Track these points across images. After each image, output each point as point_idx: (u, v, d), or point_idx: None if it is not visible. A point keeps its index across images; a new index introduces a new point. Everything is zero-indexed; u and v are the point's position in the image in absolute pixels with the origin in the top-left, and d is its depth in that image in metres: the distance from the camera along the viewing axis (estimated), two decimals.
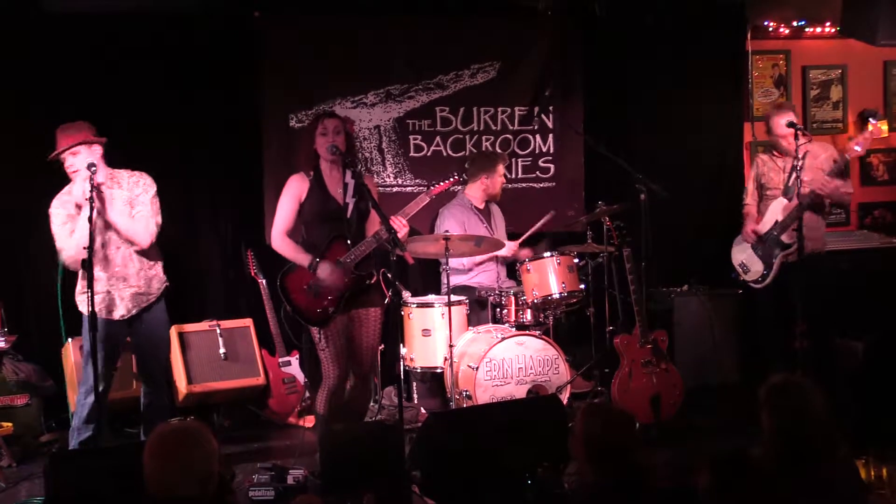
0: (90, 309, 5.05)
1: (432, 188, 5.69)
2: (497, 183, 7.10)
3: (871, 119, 6.63)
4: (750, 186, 6.73)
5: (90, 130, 5.43)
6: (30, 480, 5.68)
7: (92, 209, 5.09)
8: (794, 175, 6.19)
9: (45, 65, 6.70)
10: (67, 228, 5.34)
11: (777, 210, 6.42)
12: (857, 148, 6.28)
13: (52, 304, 6.41)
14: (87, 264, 5.06)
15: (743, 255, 6.60)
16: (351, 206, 5.42)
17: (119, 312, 5.47)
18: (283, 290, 5.41)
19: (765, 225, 6.47)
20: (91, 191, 5.13)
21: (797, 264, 6.17)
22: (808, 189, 6.17)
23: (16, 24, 6.60)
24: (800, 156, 6.07)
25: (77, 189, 5.31)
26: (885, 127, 8.45)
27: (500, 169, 7.11)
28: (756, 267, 6.47)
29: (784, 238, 6.34)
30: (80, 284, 5.44)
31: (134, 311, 5.51)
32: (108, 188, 5.41)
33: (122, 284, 5.46)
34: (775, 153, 6.58)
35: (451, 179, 5.82)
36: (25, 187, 6.44)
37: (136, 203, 5.49)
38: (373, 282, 5.48)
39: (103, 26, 6.78)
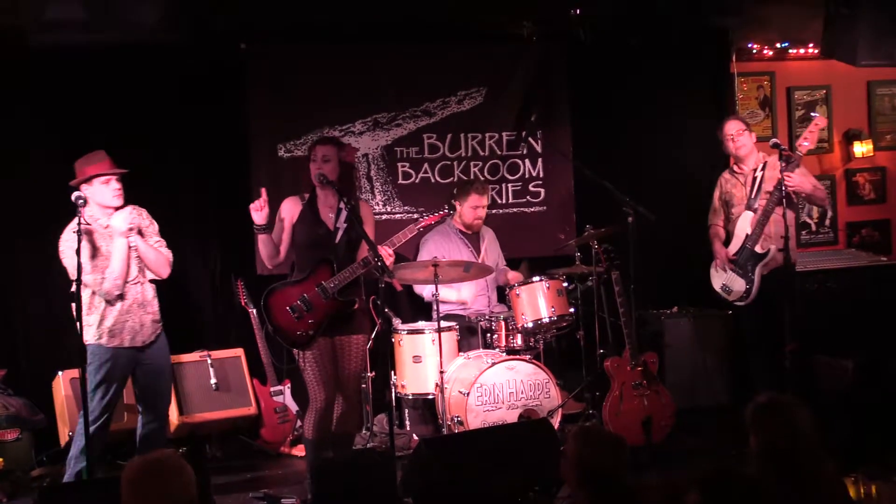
0: (104, 340, 5.13)
1: (422, 220, 5.72)
2: (467, 213, 7.01)
3: (813, 114, 6.65)
4: (715, 206, 6.74)
5: (111, 161, 5.52)
6: None
7: (80, 242, 5.08)
8: (755, 187, 6.33)
9: (28, 97, 6.72)
10: (98, 261, 5.36)
11: (745, 225, 6.41)
12: (806, 143, 6.29)
13: (41, 336, 6.43)
14: (77, 296, 5.06)
15: (723, 278, 6.57)
16: (340, 233, 5.46)
17: (141, 338, 5.51)
18: (265, 309, 5.46)
19: (737, 242, 6.47)
20: (79, 224, 5.14)
21: (772, 281, 6.22)
22: (778, 185, 6.18)
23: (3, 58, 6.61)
24: (759, 167, 6.17)
25: (117, 221, 5.37)
26: (868, 147, 8.51)
27: (472, 199, 6.97)
28: (737, 286, 6.45)
29: (758, 249, 6.34)
30: (89, 314, 5.41)
31: (153, 337, 5.57)
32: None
33: (142, 311, 5.52)
34: (735, 168, 6.61)
35: (440, 213, 5.84)
36: (11, 216, 6.44)
37: (148, 236, 5.61)
38: (356, 308, 5.49)
39: (90, 59, 6.79)
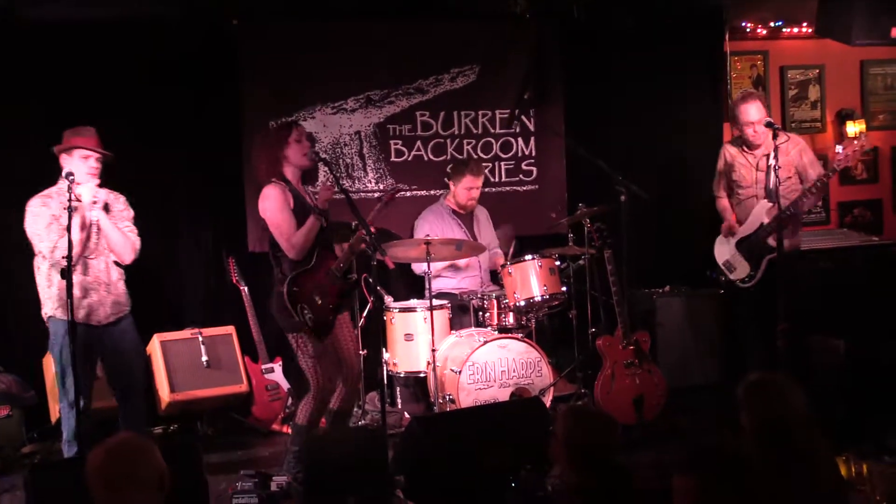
0: (70, 317, 5.04)
1: (383, 197, 5.63)
2: (461, 194, 7.04)
3: (848, 119, 6.57)
4: (719, 178, 6.67)
5: (99, 140, 5.50)
6: (10, 493, 5.63)
7: (70, 218, 5.09)
8: (773, 176, 6.06)
9: (18, 72, 6.66)
10: (54, 229, 5.31)
11: (761, 213, 6.29)
12: (841, 160, 6.10)
13: (33, 313, 6.39)
14: (67, 273, 5.04)
15: (727, 255, 6.50)
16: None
17: (98, 318, 5.47)
18: (296, 300, 5.24)
19: (750, 226, 6.39)
20: (69, 201, 5.13)
21: (778, 262, 6.19)
22: (798, 194, 6.13)
23: None
24: (772, 154, 6.03)
25: (82, 191, 5.31)
26: (861, 127, 8.50)
27: (467, 180, 7.00)
28: (742, 266, 6.38)
29: (771, 241, 6.17)
30: (49, 287, 5.42)
31: (112, 319, 5.52)
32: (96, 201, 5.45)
33: (104, 290, 5.50)
34: (744, 148, 6.48)
35: (395, 193, 5.74)
36: (2, 195, 6.41)
37: (119, 220, 5.57)
38: (354, 285, 5.48)
39: (78, 34, 6.73)
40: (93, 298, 5.45)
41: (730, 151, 6.59)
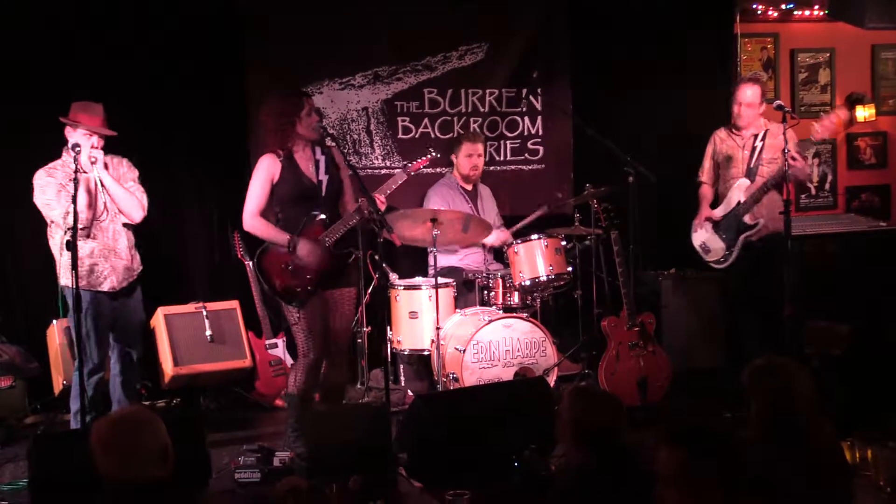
0: (75, 288, 5.05)
1: (410, 165, 5.68)
2: (463, 163, 7.04)
3: (858, 103, 6.56)
4: (706, 164, 6.70)
5: (104, 119, 5.52)
6: (14, 462, 5.63)
7: (76, 189, 5.11)
8: (755, 155, 6.28)
9: (22, 43, 6.60)
10: (64, 196, 5.34)
11: (739, 191, 6.39)
12: (820, 131, 6.20)
13: (36, 283, 6.40)
14: (73, 244, 5.04)
15: (702, 237, 6.58)
16: (325, 184, 5.40)
17: (108, 285, 5.52)
18: (260, 271, 5.35)
19: (726, 206, 6.45)
20: (76, 172, 5.16)
21: (761, 245, 6.23)
22: (778, 167, 6.13)
23: None
24: (759, 135, 6.09)
25: (83, 155, 5.34)
26: (870, 111, 8.46)
27: (465, 147, 7.02)
28: (717, 246, 6.46)
29: (747, 219, 6.33)
30: (62, 256, 5.43)
31: (125, 284, 5.58)
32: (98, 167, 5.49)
33: (114, 256, 5.55)
34: (733, 130, 6.55)
35: (428, 157, 5.79)
36: (5, 165, 6.39)
37: (124, 181, 5.62)
38: (351, 261, 5.44)
39: (81, 6, 6.68)
40: (104, 265, 5.50)
41: (719, 136, 6.66)
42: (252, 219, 5.36)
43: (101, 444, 3.11)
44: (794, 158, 6.00)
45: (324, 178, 5.41)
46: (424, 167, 5.89)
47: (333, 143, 5.50)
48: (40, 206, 5.46)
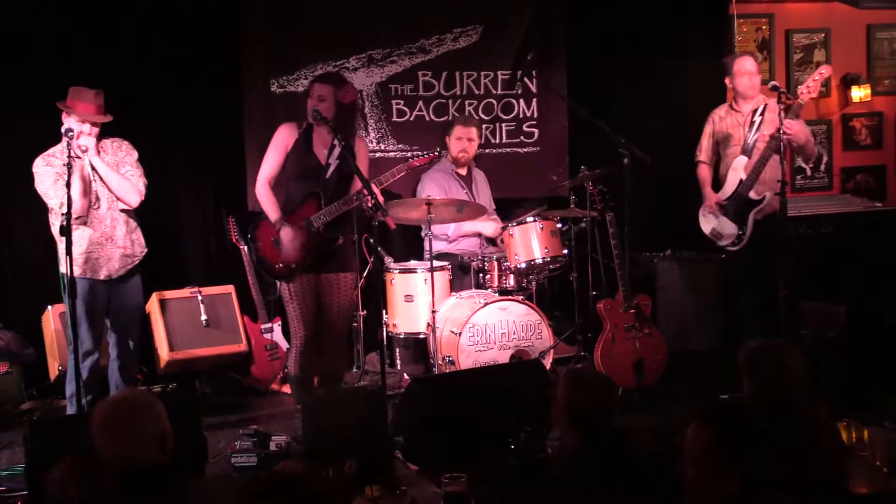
0: (70, 274, 5.04)
1: (411, 160, 5.75)
2: (453, 146, 7.02)
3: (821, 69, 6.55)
4: (704, 142, 6.68)
5: (100, 105, 5.52)
6: (10, 448, 5.62)
7: (70, 174, 5.10)
8: (754, 130, 6.28)
9: (18, 29, 6.57)
10: (61, 185, 5.30)
11: (739, 169, 6.36)
12: (807, 91, 6.23)
13: (31, 269, 6.38)
14: (67, 230, 5.02)
15: (713, 223, 6.52)
16: (331, 168, 5.46)
17: (105, 273, 5.53)
18: (252, 238, 5.64)
19: (729, 187, 6.43)
20: (69, 157, 5.15)
21: (770, 219, 6.23)
22: (777, 133, 6.12)
23: None
24: (758, 110, 6.09)
25: (75, 142, 5.34)
26: (866, 92, 8.44)
27: (457, 131, 7.01)
28: (728, 230, 6.40)
29: (752, 195, 6.30)
30: (60, 243, 5.41)
31: (120, 273, 5.58)
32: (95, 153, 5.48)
33: (110, 245, 5.55)
34: (734, 105, 6.54)
35: (432, 154, 5.89)
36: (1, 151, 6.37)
37: (122, 165, 5.62)
38: (339, 244, 5.49)
39: None
40: (101, 253, 5.51)
41: (718, 114, 6.64)
42: (262, 187, 5.63)
43: (101, 426, 3.13)
44: (789, 127, 6.02)
45: (333, 162, 5.51)
46: (415, 152, 5.95)
47: (328, 127, 5.50)
48: (41, 194, 5.48)
